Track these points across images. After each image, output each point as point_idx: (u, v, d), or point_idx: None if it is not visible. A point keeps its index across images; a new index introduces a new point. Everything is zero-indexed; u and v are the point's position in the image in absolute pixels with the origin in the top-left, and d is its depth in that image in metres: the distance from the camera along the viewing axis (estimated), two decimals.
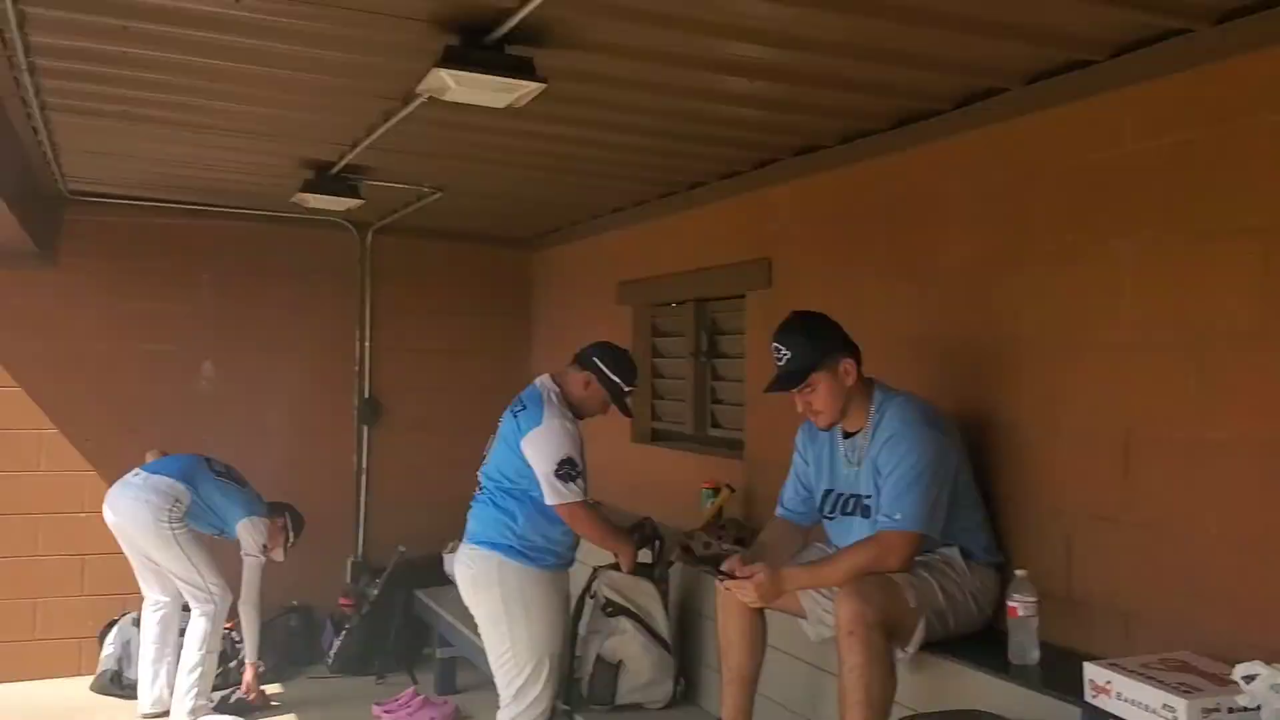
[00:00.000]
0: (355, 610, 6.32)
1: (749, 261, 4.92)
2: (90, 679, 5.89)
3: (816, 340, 3.29)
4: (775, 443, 4.56)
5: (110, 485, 5.56)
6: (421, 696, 5.61)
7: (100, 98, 4.14)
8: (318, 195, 5.23)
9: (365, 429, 6.97)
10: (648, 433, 5.90)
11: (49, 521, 6.17)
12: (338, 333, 6.90)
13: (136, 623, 5.80)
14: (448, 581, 6.19)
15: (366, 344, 6.98)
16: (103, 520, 5.58)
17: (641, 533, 4.31)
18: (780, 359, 3.30)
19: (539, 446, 3.92)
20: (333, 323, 6.88)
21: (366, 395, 6.97)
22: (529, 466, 3.94)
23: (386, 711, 5.50)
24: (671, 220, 5.62)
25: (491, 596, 3.99)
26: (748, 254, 4.94)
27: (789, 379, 3.29)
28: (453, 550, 6.23)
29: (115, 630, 5.91)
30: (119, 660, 5.78)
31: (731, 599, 3.39)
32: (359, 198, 5.30)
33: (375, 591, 6.33)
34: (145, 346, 6.43)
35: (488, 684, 5.06)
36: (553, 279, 7.27)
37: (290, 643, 6.26)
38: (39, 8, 3.12)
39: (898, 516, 3.11)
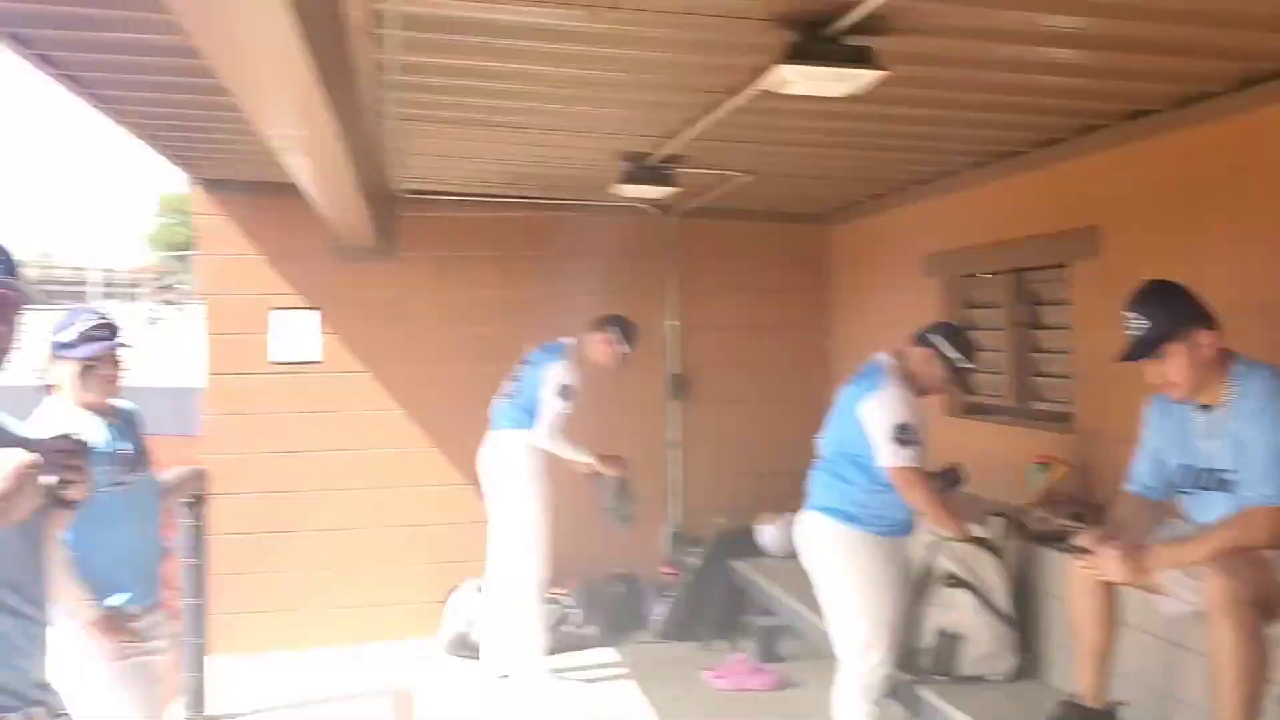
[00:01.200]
0: (678, 579, 6.61)
1: (1072, 230, 4.83)
2: (439, 640, 6.41)
3: (1171, 310, 3.23)
4: (1110, 416, 4.50)
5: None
6: (751, 662, 5.83)
7: (445, 106, 4.50)
8: (635, 185, 5.47)
9: (675, 404, 7.25)
10: (962, 406, 5.88)
11: (393, 495, 6.73)
12: (644, 313, 7.14)
13: (478, 589, 6.27)
14: (762, 553, 6.45)
15: (674, 323, 7.24)
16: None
17: (947, 479, 4.40)
18: (1133, 328, 3.26)
19: (875, 411, 4.18)
20: (640, 303, 7.12)
21: (675, 372, 7.23)
22: (866, 433, 4.15)
23: (718, 676, 5.75)
24: (983, 190, 5.57)
25: (832, 561, 4.23)
26: (1070, 222, 4.86)
27: (1141, 348, 3.24)
28: (766, 522, 6.51)
29: (458, 595, 6.40)
30: (464, 623, 6.26)
31: (1084, 575, 3.39)
32: (674, 185, 5.51)
33: (697, 561, 6.59)
34: (471, 331, 6.89)
35: (813, 653, 5.24)
36: (852, 253, 7.31)
37: (617, 609, 6.60)
38: (418, 31, 3.43)
39: (1267, 492, 3.03)
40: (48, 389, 3.53)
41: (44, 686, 2.26)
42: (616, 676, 5.99)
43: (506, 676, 5.80)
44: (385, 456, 6.77)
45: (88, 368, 3.48)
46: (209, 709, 5.32)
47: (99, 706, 3.28)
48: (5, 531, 2.17)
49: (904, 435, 4.10)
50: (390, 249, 6.77)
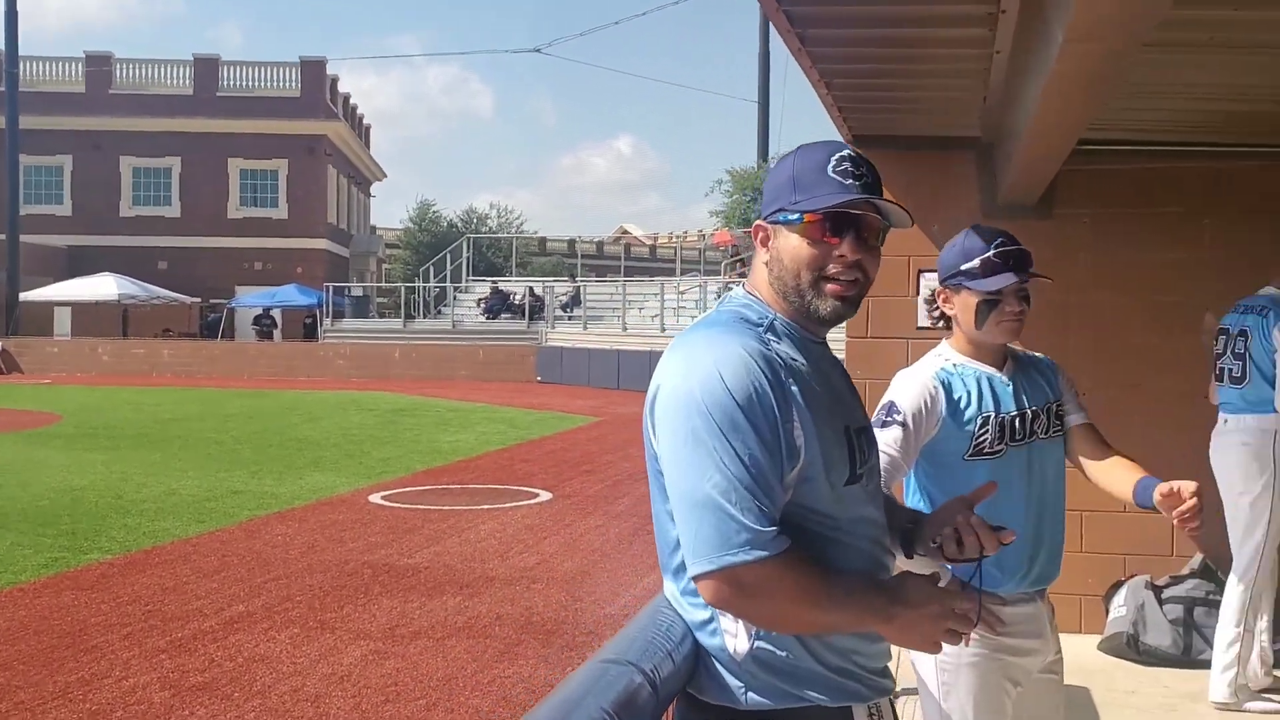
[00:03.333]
0: None
1: None
2: (1096, 638, 5.77)
3: None
4: None
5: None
6: None
7: (1190, 25, 3.87)
8: None
9: None
10: None
11: None
12: None
13: (1149, 585, 5.57)
14: None
15: None
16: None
17: None
18: None
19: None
20: None
21: None
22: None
23: None
24: None
25: None
26: None
27: None
28: None
29: (1124, 591, 5.70)
30: (1134, 624, 5.55)
31: None
32: None
33: None
34: (1141, 298, 6.14)
35: None
36: None
37: None
38: None
39: None
40: (942, 322, 2.96)
41: (884, 673, 2.01)
42: None
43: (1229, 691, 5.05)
44: None
45: (987, 303, 2.83)
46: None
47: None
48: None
49: None
50: (1046, 206, 6.20)
